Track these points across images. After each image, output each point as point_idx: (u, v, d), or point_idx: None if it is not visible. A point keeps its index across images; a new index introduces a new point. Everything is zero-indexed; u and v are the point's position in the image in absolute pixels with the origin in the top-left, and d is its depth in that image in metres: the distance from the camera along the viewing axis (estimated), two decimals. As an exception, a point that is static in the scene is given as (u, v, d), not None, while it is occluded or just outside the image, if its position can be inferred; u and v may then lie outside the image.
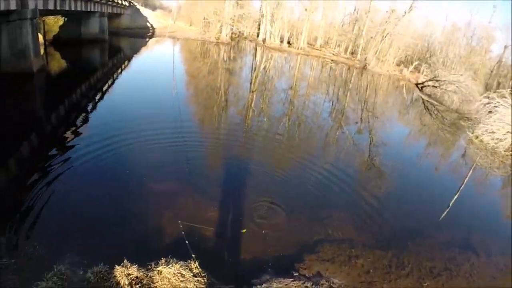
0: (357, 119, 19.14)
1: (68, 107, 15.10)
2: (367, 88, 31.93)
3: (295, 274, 6.34)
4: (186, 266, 5.82)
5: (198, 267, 5.82)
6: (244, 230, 7.13)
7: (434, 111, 26.71)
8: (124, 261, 5.61)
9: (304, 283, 6.08)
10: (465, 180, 13.12)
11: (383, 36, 47.85)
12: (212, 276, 5.84)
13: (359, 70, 43.49)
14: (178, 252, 6.13)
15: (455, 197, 11.12)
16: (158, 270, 5.65)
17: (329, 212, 8.53)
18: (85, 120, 13.18)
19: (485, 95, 23.30)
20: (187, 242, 6.25)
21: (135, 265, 5.62)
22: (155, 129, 12.29)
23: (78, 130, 12.08)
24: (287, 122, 16.09)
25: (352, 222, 8.36)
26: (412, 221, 9.07)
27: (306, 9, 56.38)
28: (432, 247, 7.95)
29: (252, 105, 18.36)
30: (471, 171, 14.39)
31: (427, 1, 58.64)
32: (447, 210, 10.01)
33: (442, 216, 9.60)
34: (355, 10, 59.75)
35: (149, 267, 5.72)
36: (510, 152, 16.85)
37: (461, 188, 12.16)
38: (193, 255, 5.91)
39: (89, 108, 14.87)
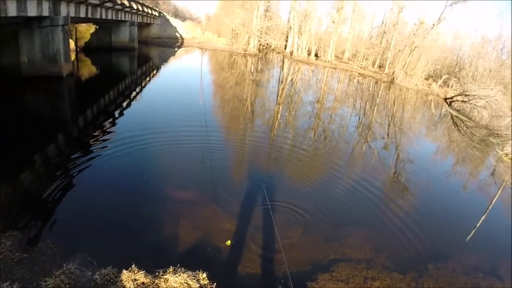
0: (384, 134, 19.05)
1: (95, 111, 15.90)
2: (394, 103, 31.65)
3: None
4: (193, 276, 5.82)
5: (206, 278, 5.83)
6: (228, 242, 7.07)
7: (463, 127, 26.30)
8: (132, 265, 5.74)
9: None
10: (494, 200, 12.90)
11: (411, 49, 47.32)
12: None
13: (386, 84, 43.10)
14: (188, 261, 6.21)
15: (483, 217, 10.93)
16: (165, 278, 5.72)
17: (348, 230, 8.45)
18: (111, 125, 13.78)
19: (516, 110, 22.86)
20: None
21: (142, 271, 5.72)
22: (179, 136, 12.75)
23: (103, 133, 12.68)
24: (313, 135, 16.20)
25: (371, 241, 8.17)
26: (435, 242, 8.77)
27: (333, 21, 56.36)
28: (454, 271, 7.72)
29: (278, 117, 18.56)
30: (500, 191, 14.15)
31: (456, 13, 57.04)
32: (473, 230, 9.80)
33: (468, 238, 9.38)
34: (382, 22, 59.40)
35: (157, 274, 5.80)
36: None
37: (490, 208, 11.96)
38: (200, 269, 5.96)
39: (116, 113, 15.55)
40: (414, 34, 48.22)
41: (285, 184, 10.34)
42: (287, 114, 19.84)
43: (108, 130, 13.11)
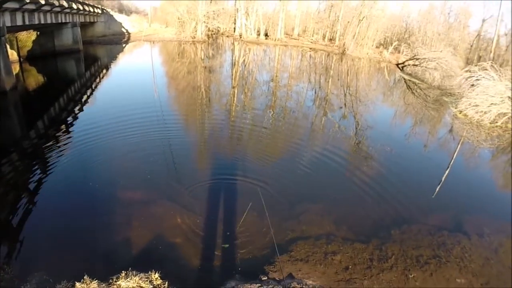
0: (341, 105, 18.98)
1: (46, 122, 14.77)
2: (348, 73, 31.84)
3: (263, 279, 5.97)
4: (146, 278, 5.60)
5: (159, 278, 5.60)
6: (226, 245, 6.70)
7: (417, 89, 26.70)
8: (84, 277, 5.42)
9: (273, 287, 5.77)
10: (454, 155, 13.05)
11: (359, 20, 47.54)
12: (173, 286, 5.59)
13: (338, 55, 43.50)
14: (141, 263, 5.95)
15: (446, 172, 10.98)
16: (118, 284, 5.45)
17: (306, 206, 8.11)
18: (65, 132, 12.91)
19: (466, 69, 23.26)
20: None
21: (95, 280, 5.41)
22: (136, 133, 12.13)
23: (57, 142, 11.82)
24: (272, 113, 15.90)
25: (332, 214, 7.92)
26: (400, 205, 8.57)
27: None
28: (419, 233, 7.51)
29: (235, 100, 18.16)
30: (459, 146, 14.34)
31: None
32: (438, 187, 9.77)
33: (434, 195, 9.33)
34: (330, -4, 59.61)
35: (110, 281, 5.52)
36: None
37: (451, 163, 12.06)
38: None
39: (68, 120, 14.57)
40: (361, 5, 48.51)
41: (246, 165, 9.97)
42: (243, 96, 19.48)
43: (61, 138, 12.21)
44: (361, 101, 20.49)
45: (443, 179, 10.45)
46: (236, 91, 20.54)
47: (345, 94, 21.92)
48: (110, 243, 6.67)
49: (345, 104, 19.22)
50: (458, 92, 21.82)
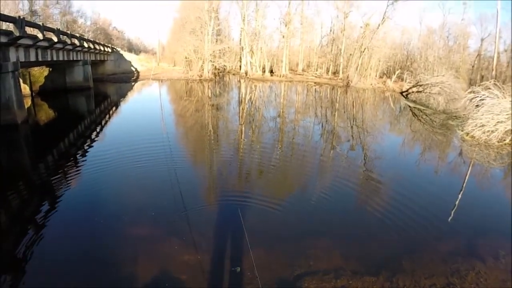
0: (349, 137, 19.19)
1: (56, 156, 15.32)
2: (353, 105, 32.26)
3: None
4: None
5: None
6: (238, 269, 6.75)
7: (422, 116, 26.92)
8: None
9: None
10: (466, 178, 13.11)
11: (361, 51, 48.48)
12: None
13: (343, 88, 44.05)
14: None
15: (459, 196, 11.03)
16: None
17: (313, 240, 7.98)
18: (74, 167, 13.34)
19: (469, 90, 23.49)
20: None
21: None
22: (144, 170, 12.44)
23: (66, 176, 12.20)
24: (280, 149, 16.06)
25: (339, 248, 7.74)
26: (411, 234, 8.37)
27: (283, 36, 57.51)
28: (432, 261, 7.25)
29: (243, 137, 18.42)
30: (470, 168, 14.38)
31: (400, 10, 59.41)
32: (453, 210, 9.80)
33: (450, 218, 9.31)
34: (331, 30, 61.00)
35: None
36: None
37: (464, 186, 12.12)
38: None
39: (78, 155, 15.00)
40: (362, 37, 49.53)
41: (254, 202, 9.96)
42: (251, 132, 19.76)
43: (70, 171, 12.68)
44: (368, 132, 20.71)
45: (457, 202, 10.44)
46: (243, 128, 20.84)
47: (351, 126, 22.19)
48: (116, 278, 6.70)
49: (352, 136, 19.43)
50: (464, 114, 21.93)
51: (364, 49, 48.53)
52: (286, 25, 57.27)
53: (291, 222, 8.86)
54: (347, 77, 47.64)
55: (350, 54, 51.20)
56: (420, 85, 35.23)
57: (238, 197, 10.40)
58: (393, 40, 56.93)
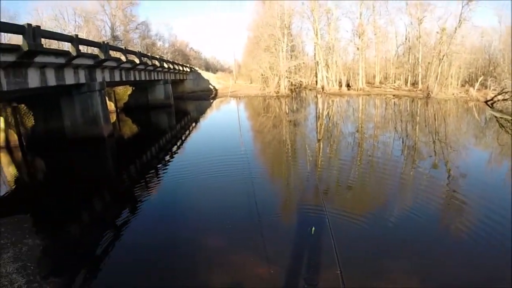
0: (431, 153, 19.00)
1: (138, 166, 17.46)
2: (435, 118, 31.41)
3: None
4: None
5: None
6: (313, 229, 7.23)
7: (510, 126, 25.68)
8: None
9: None
10: None
11: (439, 59, 46.64)
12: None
13: (423, 100, 42.65)
14: None
15: None
16: None
17: (390, 262, 7.69)
18: (155, 177, 15.16)
19: None
20: None
21: None
22: (223, 183, 13.55)
23: (147, 185, 13.91)
24: (358, 166, 16.32)
25: (418, 273, 7.31)
26: (501, 261, 7.63)
27: (358, 48, 57.18)
28: None
29: (321, 153, 19.01)
30: None
31: (477, 10, 55.94)
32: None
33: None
34: (406, 38, 59.47)
35: None
36: None
37: None
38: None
39: (159, 166, 16.87)
40: (439, 43, 47.83)
41: (332, 219, 9.47)
42: (329, 148, 20.33)
43: (151, 182, 14.46)
44: (451, 147, 20.30)
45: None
46: (321, 144, 21.48)
47: (434, 141, 21.91)
48: (190, 284, 7.10)
49: (434, 152, 19.22)
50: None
51: (443, 56, 46.68)
52: (359, 37, 56.97)
53: (368, 240, 8.81)
54: (427, 87, 46.20)
55: (429, 63, 49.51)
56: (506, 92, 33.41)
57: (315, 212, 10.47)
58: (472, 43, 54.09)
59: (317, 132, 26.13)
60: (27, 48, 15.50)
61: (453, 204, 11.50)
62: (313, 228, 7.62)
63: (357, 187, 13.32)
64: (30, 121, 23.72)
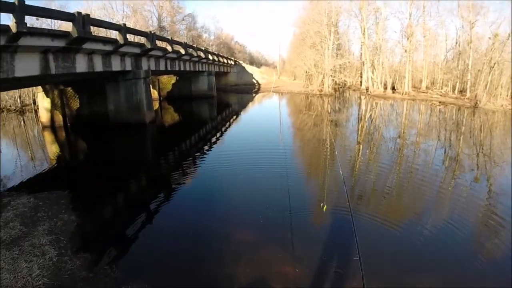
0: (473, 166, 18.87)
1: (176, 154, 18.31)
2: (481, 129, 30.79)
3: None
4: None
5: None
6: (325, 207, 7.58)
7: (561, 146, 24.91)
8: None
9: None
10: None
11: (490, 66, 44.66)
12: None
13: (470, 109, 41.46)
14: None
15: None
16: None
17: (419, 278, 7.45)
18: (192, 165, 15.87)
19: None
20: None
21: None
22: (258, 179, 13.93)
23: (183, 173, 14.63)
24: (397, 173, 16.40)
25: None
26: None
27: (405, 50, 56.14)
28: None
29: (360, 156, 19.25)
30: None
31: None
32: None
33: None
34: (456, 43, 57.51)
35: None
36: None
37: None
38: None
39: (197, 155, 17.58)
40: (491, 50, 45.80)
41: (364, 225, 9.94)
42: (368, 152, 20.53)
43: (188, 170, 15.16)
44: (495, 162, 20.03)
45: None
46: (361, 147, 21.69)
47: (477, 154, 21.67)
48: (215, 275, 7.30)
49: (477, 165, 19.08)
50: None
51: (494, 63, 44.71)
52: (408, 38, 55.81)
53: (398, 252, 8.72)
54: (475, 96, 44.54)
55: (478, 70, 47.62)
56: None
57: (348, 214, 10.31)
58: (526, 51, 51.60)
59: (358, 134, 26.37)
60: (76, 35, 16.68)
61: (491, 222, 11.13)
62: (325, 206, 7.97)
63: (393, 194, 13.43)
64: (75, 104, 25.41)
